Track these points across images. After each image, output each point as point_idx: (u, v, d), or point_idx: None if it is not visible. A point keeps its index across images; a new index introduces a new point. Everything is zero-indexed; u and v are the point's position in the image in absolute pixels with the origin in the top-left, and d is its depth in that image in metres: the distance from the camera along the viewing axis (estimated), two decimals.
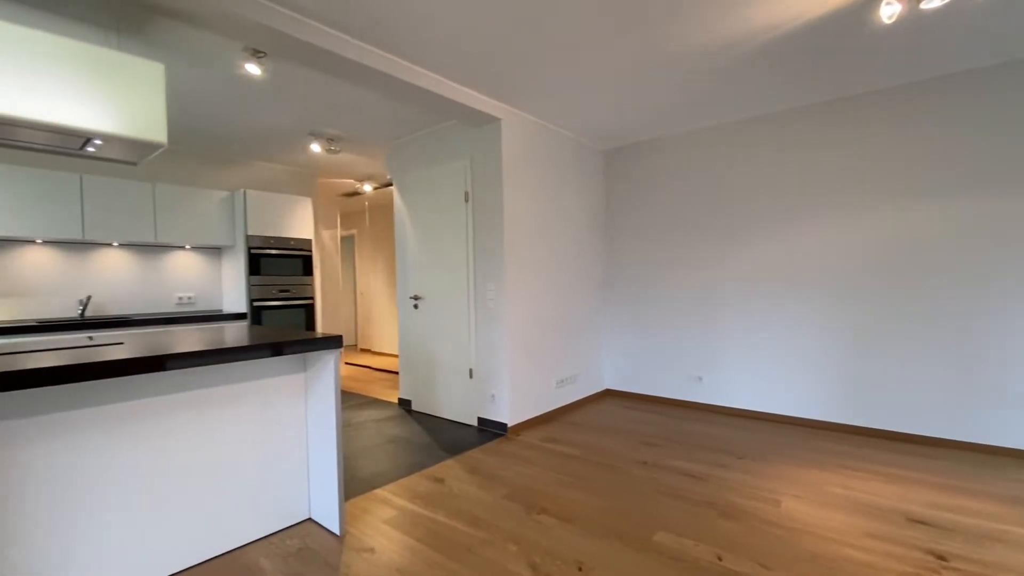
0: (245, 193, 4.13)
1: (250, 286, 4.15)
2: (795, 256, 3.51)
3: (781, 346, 3.57)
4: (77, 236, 3.48)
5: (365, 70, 2.52)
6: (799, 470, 2.65)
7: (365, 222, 7.63)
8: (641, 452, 2.95)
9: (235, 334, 2.17)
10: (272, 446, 2.06)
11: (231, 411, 1.94)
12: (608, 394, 4.48)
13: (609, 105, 3.39)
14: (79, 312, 3.72)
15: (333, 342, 2.01)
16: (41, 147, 1.99)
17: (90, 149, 2.07)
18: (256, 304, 4.16)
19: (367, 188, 5.80)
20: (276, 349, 1.85)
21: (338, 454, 2.03)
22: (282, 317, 4.33)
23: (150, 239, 3.81)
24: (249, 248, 4.15)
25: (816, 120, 3.40)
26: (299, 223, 4.50)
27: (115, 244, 3.86)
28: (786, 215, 3.54)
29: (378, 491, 2.44)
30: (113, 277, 3.90)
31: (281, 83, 2.95)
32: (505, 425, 3.39)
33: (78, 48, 1.79)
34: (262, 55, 2.47)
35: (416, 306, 4.05)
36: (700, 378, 3.96)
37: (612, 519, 2.15)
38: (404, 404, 4.21)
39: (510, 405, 3.40)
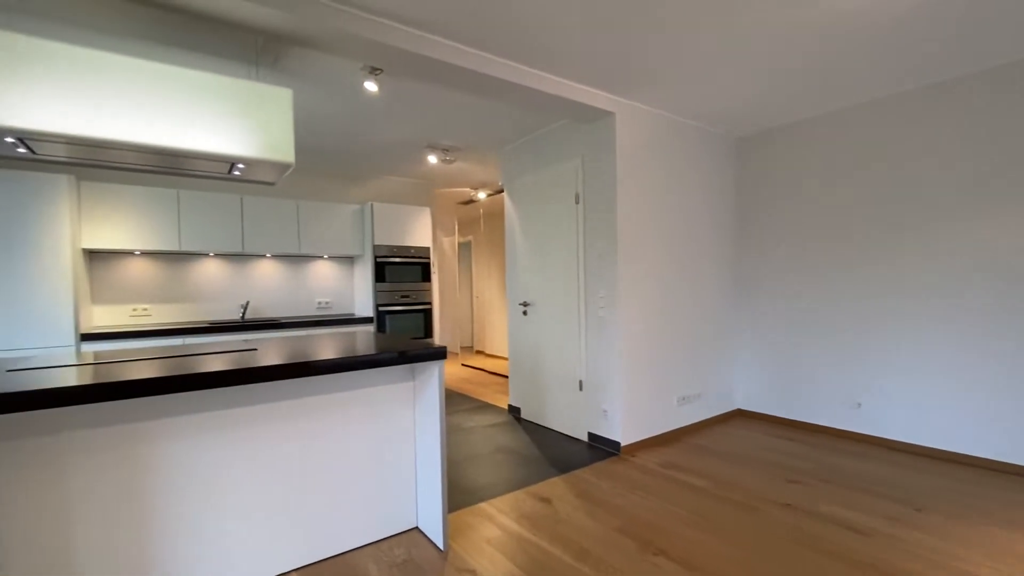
0: (372, 206, 4.44)
1: (376, 292, 4.44)
2: (995, 255, 2.73)
3: (975, 367, 2.81)
4: (238, 249, 4.02)
5: (475, 76, 2.49)
6: (1005, 534, 2.02)
7: (480, 229, 7.84)
8: (783, 491, 2.51)
9: (352, 343, 2.27)
10: (381, 453, 2.11)
11: (343, 417, 2.02)
12: (740, 415, 3.96)
13: (742, 84, 2.97)
14: (240, 315, 4.30)
15: (436, 353, 1.99)
16: (199, 173, 2.27)
17: (236, 172, 2.32)
18: (381, 309, 4.44)
19: (481, 195, 5.92)
20: (381, 361, 1.87)
21: (442, 467, 2.00)
22: (403, 321, 4.57)
23: (295, 250, 4.27)
24: (375, 257, 4.45)
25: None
26: (419, 232, 4.72)
27: (268, 255, 4.40)
28: (980, 203, 2.77)
29: (483, 505, 2.38)
30: (266, 284, 4.45)
31: (399, 99, 3.08)
32: (618, 444, 3.14)
33: (223, 82, 1.99)
34: (379, 72, 2.58)
35: (525, 312, 3.98)
36: (859, 403, 3.30)
37: (746, 573, 1.81)
38: (513, 411, 4.16)
39: (623, 422, 3.15)
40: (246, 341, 2.45)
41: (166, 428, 1.66)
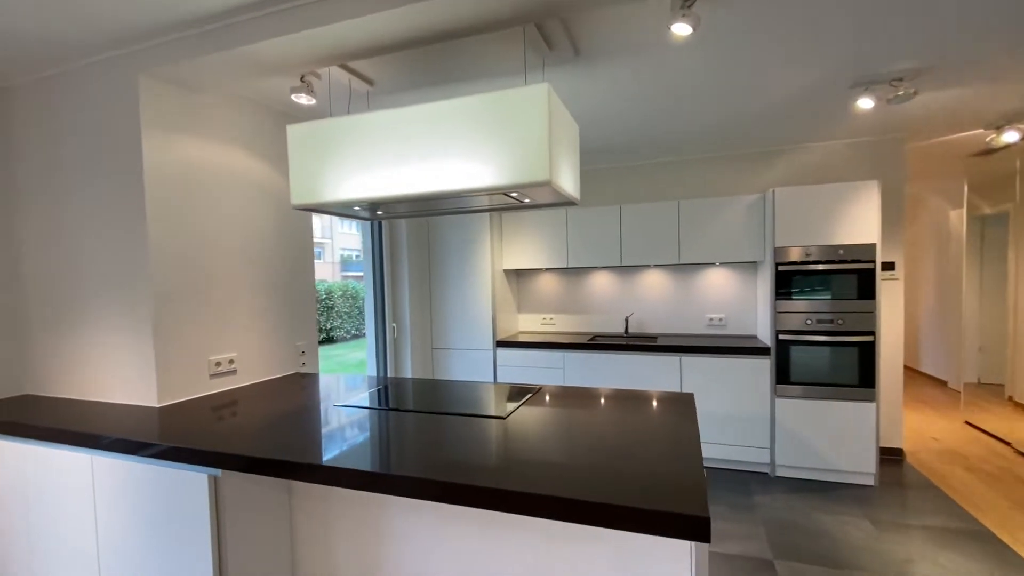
0: (773, 193, 3.23)
1: (775, 313, 3.23)
2: None
3: None
4: (617, 262, 3.82)
5: None
6: None
7: (1017, 193, 4.56)
8: None
9: (638, 447, 1.54)
10: None
11: (585, 551, 1.36)
12: None
13: None
14: (623, 329, 4.12)
15: (676, 526, 0.99)
16: (489, 207, 2.12)
17: (526, 200, 2.02)
18: (783, 337, 3.19)
19: (1009, 137, 3.30)
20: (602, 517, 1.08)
21: None
22: (822, 358, 3.12)
23: (673, 260, 3.68)
24: (776, 264, 3.23)
25: None
26: (854, 221, 3.09)
27: (651, 265, 4.00)
28: None
29: None
30: (650, 296, 4.07)
31: (773, 28, 1.95)
32: None
33: (472, 103, 1.68)
34: (688, 4, 1.64)
35: None
36: None
37: None
38: None
39: None
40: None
41: (400, 503, 1.57)
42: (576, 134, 1.98)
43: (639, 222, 3.74)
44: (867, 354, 3.03)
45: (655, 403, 1.82)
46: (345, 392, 2.17)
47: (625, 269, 4.13)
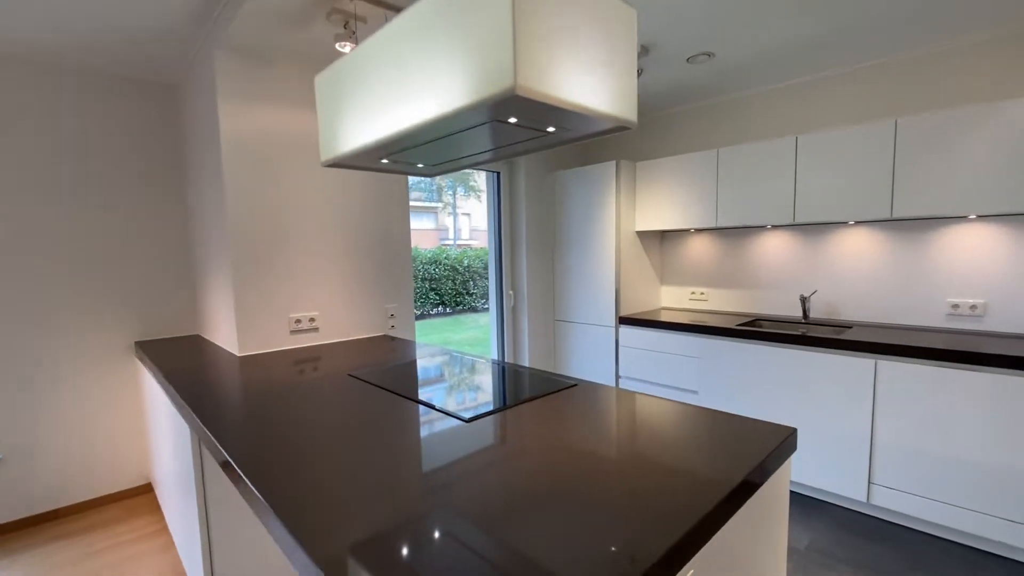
0: None
1: None
2: None
3: None
4: (788, 220, 2.76)
5: None
6: None
7: None
8: None
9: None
10: None
11: None
12: None
13: None
14: (800, 311, 3.01)
15: None
16: (509, 146, 1.63)
17: (549, 129, 1.49)
18: None
19: None
20: None
21: None
22: None
23: (882, 213, 2.45)
24: None
25: None
26: None
27: (850, 223, 2.77)
28: None
29: None
30: (845, 267, 2.85)
31: None
32: None
33: (430, 3, 1.25)
34: None
35: None
36: None
37: None
38: None
39: None
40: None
41: None
42: (629, 22, 1.34)
43: (825, 159, 2.60)
44: None
45: (726, 437, 1.15)
46: (383, 358, 2.04)
47: (806, 229, 2.98)
